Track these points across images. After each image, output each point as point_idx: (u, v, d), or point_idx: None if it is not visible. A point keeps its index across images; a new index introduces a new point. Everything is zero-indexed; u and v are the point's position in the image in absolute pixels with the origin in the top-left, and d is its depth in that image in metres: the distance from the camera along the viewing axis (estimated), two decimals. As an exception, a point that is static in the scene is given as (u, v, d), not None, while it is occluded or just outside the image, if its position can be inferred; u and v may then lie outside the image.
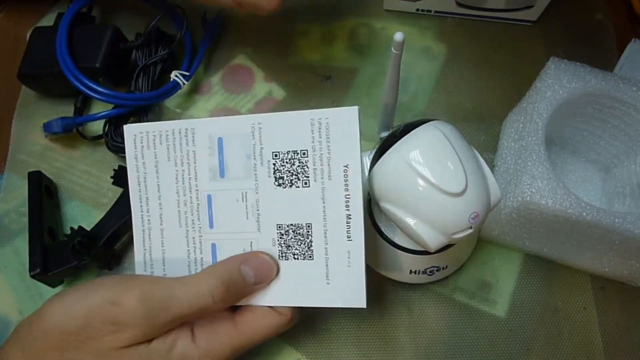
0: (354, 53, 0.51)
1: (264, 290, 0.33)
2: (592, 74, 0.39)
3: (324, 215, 0.32)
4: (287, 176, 0.32)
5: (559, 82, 0.38)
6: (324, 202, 0.32)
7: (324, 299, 0.33)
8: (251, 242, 0.33)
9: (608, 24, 0.52)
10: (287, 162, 0.32)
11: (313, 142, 0.32)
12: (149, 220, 0.35)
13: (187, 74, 0.46)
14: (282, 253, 0.33)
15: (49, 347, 0.29)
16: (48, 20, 0.52)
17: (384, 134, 0.40)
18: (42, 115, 0.47)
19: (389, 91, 0.38)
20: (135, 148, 0.34)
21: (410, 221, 0.31)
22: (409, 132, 0.32)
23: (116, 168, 0.43)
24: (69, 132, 0.45)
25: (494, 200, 0.32)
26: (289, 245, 0.33)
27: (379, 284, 0.42)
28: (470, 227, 0.30)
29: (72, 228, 0.39)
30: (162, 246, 0.34)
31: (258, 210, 0.33)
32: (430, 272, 0.39)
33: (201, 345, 0.31)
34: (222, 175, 0.33)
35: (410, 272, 0.39)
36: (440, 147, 0.31)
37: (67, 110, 0.47)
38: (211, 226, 0.34)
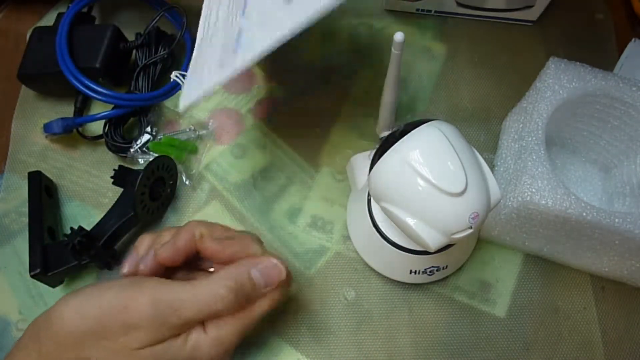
0: (354, 53, 0.51)
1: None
2: (592, 74, 0.39)
3: None
4: None
5: (559, 82, 0.38)
6: None
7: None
8: None
9: (608, 24, 0.52)
10: None
11: None
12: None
13: (187, 74, 0.46)
14: None
15: (64, 347, 0.29)
16: (48, 20, 0.52)
17: (385, 134, 0.40)
18: (42, 115, 0.47)
19: (389, 91, 0.38)
20: None
21: (411, 221, 0.31)
22: (409, 132, 0.32)
23: (116, 168, 0.43)
24: (69, 133, 0.45)
25: (494, 200, 0.32)
26: None
27: (379, 284, 0.42)
28: (471, 227, 0.30)
29: (72, 228, 0.39)
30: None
31: None
32: (430, 272, 0.39)
33: (211, 333, 0.31)
34: None
35: (410, 272, 0.39)
36: (440, 147, 0.31)
37: (67, 110, 0.47)
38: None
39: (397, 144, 0.32)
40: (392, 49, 0.34)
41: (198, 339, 0.31)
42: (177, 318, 0.29)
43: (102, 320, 0.29)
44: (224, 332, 0.32)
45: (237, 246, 0.34)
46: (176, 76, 0.45)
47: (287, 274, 0.33)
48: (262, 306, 0.33)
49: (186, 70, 0.46)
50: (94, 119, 0.45)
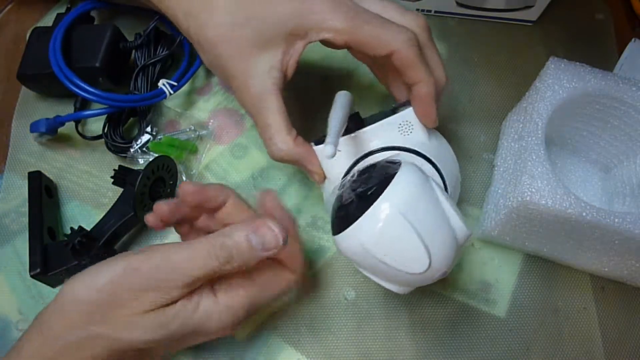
0: (354, 53, 0.51)
1: None
2: (592, 74, 0.39)
3: None
4: None
5: (558, 82, 0.38)
6: None
7: None
8: None
9: (608, 24, 0.52)
10: None
11: None
12: None
13: (175, 84, 0.46)
14: None
15: (72, 325, 0.30)
16: (48, 21, 0.52)
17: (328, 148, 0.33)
18: (42, 116, 0.47)
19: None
20: None
21: (378, 280, 0.32)
22: (364, 175, 0.32)
23: (116, 168, 0.43)
24: (54, 133, 0.45)
25: (461, 239, 0.32)
26: None
27: (378, 284, 0.42)
28: (440, 278, 0.31)
29: (72, 228, 0.39)
30: None
31: None
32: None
33: (222, 300, 0.32)
34: None
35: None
36: (398, 228, 0.29)
37: (67, 110, 0.47)
38: None
39: (351, 227, 0.30)
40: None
41: (209, 305, 0.32)
42: (182, 276, 0.30)
43: (113, 286, 0.30)
44: (234, 301, 0.33)
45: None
46: (163, 84, 0.45)
47: (300, 260, 0.35)
48: (274, 284, 0.35)
49: (177, 80, 0.46)
50: (80, 116, 0.45)
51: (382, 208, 0.29)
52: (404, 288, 0.33)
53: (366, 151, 0.36)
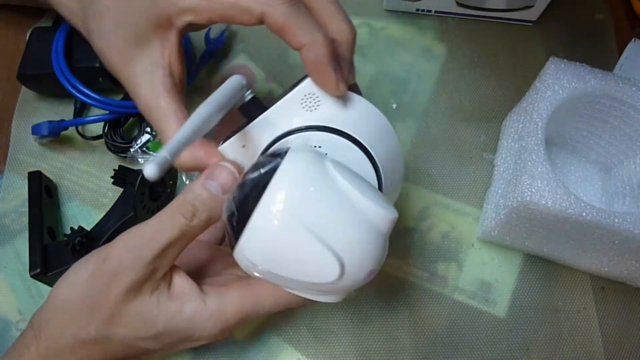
0: (354, 53, 0.51)
1: None
2: (592, 74, 0.39)
3: None
4: None
5: (558, 82, 0.38)
6: None
7: None
8: None
9: (608, 24, 0.52)
10: None
11: None
12: None
13: None
14: None
15: (63, 325, 0.29)
16: (48, 21, 0.52)
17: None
18: (42, 116, 0.47)
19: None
20: None
21: (299, 293, 0.29)
22: (249, 178, 0.27)
23: (116, 168, 0.43)
24: (56, 136, 0.45)
25: (384, 228, 0.27)
26: None
27: (378, 284, 0.42)
28: (370, 278, 0.27)
29: (72, 228, 0.39)
30: None
31: None
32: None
33: (212, 306, 0.30)
34: None
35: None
36: (288, 239, 0.25)
37: (67, 111, 0.47)
38: None
39: (237, 246, 0.26)
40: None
41: (196, 309, 0.30)
42: (151, 247, 0.28)
43: (88, 282, 0.29)
44: (224, 306, 0.30)
45: None
46: None
47: None
48: (273, 297, 0.31)
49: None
50: (84, 122, 0.45)
51: (261, 218, 0.25)
52: (334, 296, 0.29)
53: (269, 141, 0.30)
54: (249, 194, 0.26)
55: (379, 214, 0.26)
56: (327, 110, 0.30)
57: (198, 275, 0.32)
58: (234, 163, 0.30)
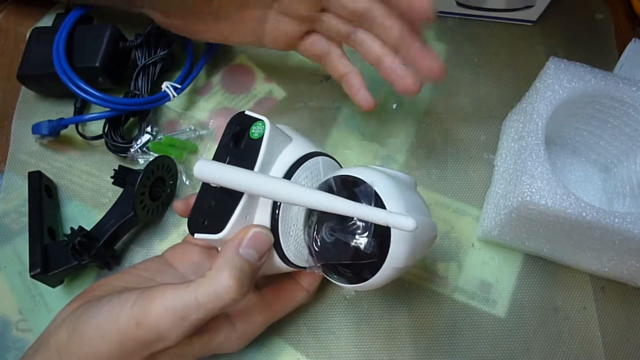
0: (354, 53, 0.51)
1: None
2: (592, 74, 0.39)
3: None
4: None
5: (558, 82, 0.38)
6: None
7: None
8: None
9: (608, 24, 0.52)
10: None
11: None
12: None
13: (179, 86, 0.46)
14: None
15: None
16: (47, 21, 0.52)
17: None
18: (42, 115, 0.47)
19: None
20: None
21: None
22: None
23: (116, 168, 0.43)
24: (56, 135, 0.45)
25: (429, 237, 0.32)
26: None
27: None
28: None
29: (72, 228, 0.39)
30: None
31: None
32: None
33: (239, 328, 0.34)
34: None
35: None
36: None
37: (67, 110, 0.47)
38: None
39: (378, 273, 0.30)
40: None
41: (227, 334, 0.33)
42: (191, 319, 0.29)
43: (121, 343, 0.29)
44: (251, 326, 0.35)
45: None
46: (167, 87, 0.45)
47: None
48: (288, 305, 0.37)
49: (180, 82, 0.46)
50: (83, 120, 0.45)
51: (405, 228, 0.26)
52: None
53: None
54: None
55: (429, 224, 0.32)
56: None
57: None
58: (265, 228, 0.31)
